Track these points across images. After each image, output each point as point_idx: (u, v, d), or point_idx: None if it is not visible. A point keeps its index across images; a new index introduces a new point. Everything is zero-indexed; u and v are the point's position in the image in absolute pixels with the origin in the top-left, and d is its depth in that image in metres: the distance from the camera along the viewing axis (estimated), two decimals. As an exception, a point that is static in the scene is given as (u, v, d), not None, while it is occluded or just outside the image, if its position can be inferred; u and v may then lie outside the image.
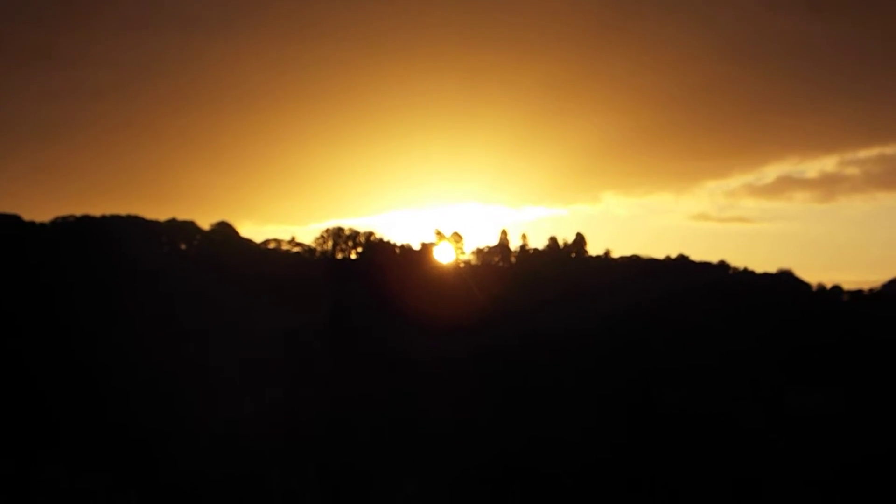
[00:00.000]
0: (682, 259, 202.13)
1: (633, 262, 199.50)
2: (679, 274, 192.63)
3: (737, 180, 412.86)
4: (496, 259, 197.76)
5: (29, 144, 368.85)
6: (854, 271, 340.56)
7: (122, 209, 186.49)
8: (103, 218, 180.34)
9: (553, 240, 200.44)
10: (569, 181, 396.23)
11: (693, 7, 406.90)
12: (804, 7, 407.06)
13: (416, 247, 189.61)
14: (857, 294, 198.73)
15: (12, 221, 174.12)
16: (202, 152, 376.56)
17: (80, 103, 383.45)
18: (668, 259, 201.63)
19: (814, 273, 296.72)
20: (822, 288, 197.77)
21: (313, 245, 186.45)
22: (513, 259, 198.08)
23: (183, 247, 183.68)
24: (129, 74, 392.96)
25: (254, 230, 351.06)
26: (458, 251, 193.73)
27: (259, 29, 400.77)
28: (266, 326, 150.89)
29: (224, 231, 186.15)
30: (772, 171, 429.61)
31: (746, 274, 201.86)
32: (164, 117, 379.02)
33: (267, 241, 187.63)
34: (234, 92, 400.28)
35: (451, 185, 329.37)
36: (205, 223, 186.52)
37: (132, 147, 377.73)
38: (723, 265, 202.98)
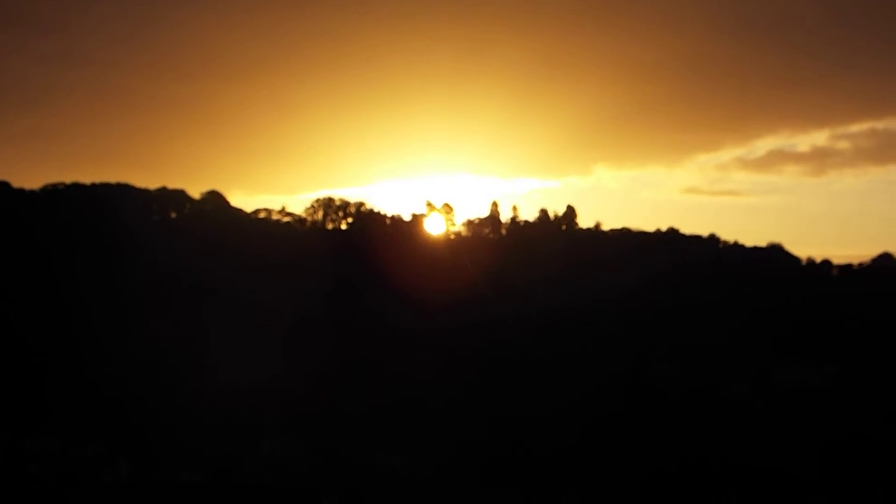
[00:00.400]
0: (673, 232, 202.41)
1: (624, 234, 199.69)
2: (669, 247, 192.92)
3: (728, 154, 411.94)
4: (487, 231, 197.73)
5: (19, 110, 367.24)
6: (844, 245, 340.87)
7: (113, 177, 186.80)
8: (94, 185, 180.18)
9: (544, 212, 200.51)
10: (561, 153, 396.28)
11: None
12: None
13: (407, 218, 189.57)
14: (847, 268, 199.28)
15: (2, 188, 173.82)
16: (194, 120, 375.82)
17: (71, 69, 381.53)
18: (658, 232, 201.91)
19: (804, 247, 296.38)
20: (811, 262, 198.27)
21: (304, 215, 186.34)
22: (503, 231, 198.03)
23: (174, 215, 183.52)
24: (121, 40, 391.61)
25: (245, 199, 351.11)
26: (449, 222, 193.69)
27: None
28: (256, 296, 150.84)
29: (215, 200, 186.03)
30: (763, 145, 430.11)
31: (736, 247, 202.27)
32: (155, 84, 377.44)
33: (257, 211, 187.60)
34: (227, 60, 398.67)
35: (443, 156, 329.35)
36: (196, 192, 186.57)
37: (123, 114, 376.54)
38: (713, 238, 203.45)
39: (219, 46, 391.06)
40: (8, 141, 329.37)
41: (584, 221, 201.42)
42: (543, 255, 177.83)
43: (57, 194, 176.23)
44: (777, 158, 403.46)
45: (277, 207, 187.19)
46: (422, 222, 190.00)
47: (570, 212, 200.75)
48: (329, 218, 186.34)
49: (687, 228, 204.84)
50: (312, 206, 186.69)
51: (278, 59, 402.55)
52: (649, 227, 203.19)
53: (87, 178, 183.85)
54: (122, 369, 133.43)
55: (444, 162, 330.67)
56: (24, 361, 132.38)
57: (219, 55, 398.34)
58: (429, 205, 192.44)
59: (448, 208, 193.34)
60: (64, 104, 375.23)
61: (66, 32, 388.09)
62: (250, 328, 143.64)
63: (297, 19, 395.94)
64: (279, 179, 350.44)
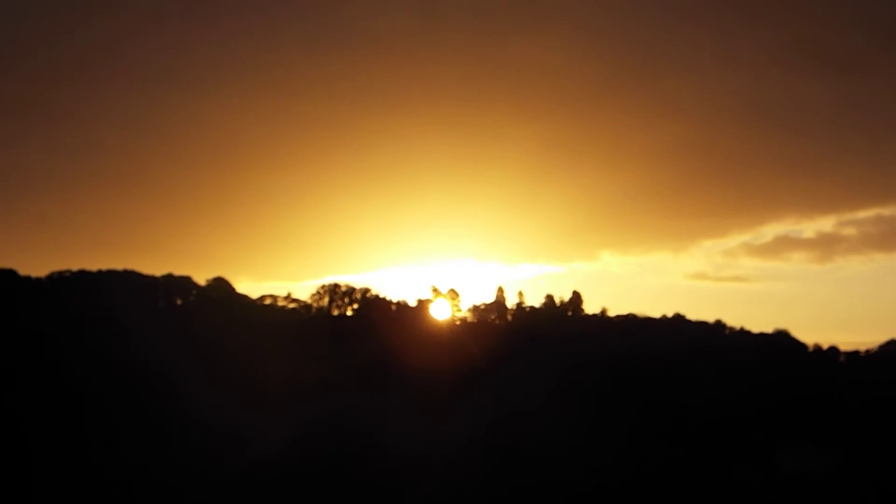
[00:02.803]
0: (679, 318, 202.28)
1: (630, 320, 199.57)
2: (675, 333, 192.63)
3: (734, 240, 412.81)
4: (492, 317, 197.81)
5: (26, 198, 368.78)
6: (851, 332, 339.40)
7: (119, 264, 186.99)
8: (99, 273, 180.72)
9: (549, 297, 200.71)
10: (566, 239, 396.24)
11: (691, 66, 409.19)
12: (801, 67, 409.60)
13: (413, 303, 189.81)
14: (854, 355, 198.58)
15: (8, 276, 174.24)
16: (199, 208, 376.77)
17: (77, 157, 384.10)
18: (664, 318, 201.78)
19: (811, 333, 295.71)
20: (818, 349, 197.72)
21: (309, 301, 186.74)
22: (509, 317, 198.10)
23: (179, 302, 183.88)
24: (128, 129, 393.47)
25: (251, 286, 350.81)
26: (455, 308, 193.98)
27: (257, 86, 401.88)
28: (262, 381, 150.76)
29: (220, 287, 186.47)
30: (769, 231, 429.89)
31: (743, 333, 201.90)
32: (161, 172, 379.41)
33: (263, 297, 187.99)
34: (232, 148, 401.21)
35: (448, 242, 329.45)
36: (201, 279, 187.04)
37: (129, 202, 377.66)
38: (719, 324, 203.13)
39: (226, 135, 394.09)
40: (14, 229, 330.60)
41: (590, 307, 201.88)
42: (549, 341, 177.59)
43: (63, 282, 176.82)
44: (783, 245, 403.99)
45: (283, 293, 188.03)
46: (427, 308, 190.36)
47: (576, 297, 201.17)
48: (335, 304, 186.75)
49: (693, 314, 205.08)
50: (318, 292, 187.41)
51: (284, 147, 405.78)
52: (655, 313, 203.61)
53: (93, 265, 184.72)
54: (127, 454, 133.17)
55: (450, 248, 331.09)
56: (25, 447, 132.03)
57: (226, 143, 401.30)
58: (434, 290, 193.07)
59: (454, 294, 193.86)
60: (71, 192, 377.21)
61: (74, 120, 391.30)
62: (256, 411, 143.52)
63: (303, 109, 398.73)
64: (285, 266, 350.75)
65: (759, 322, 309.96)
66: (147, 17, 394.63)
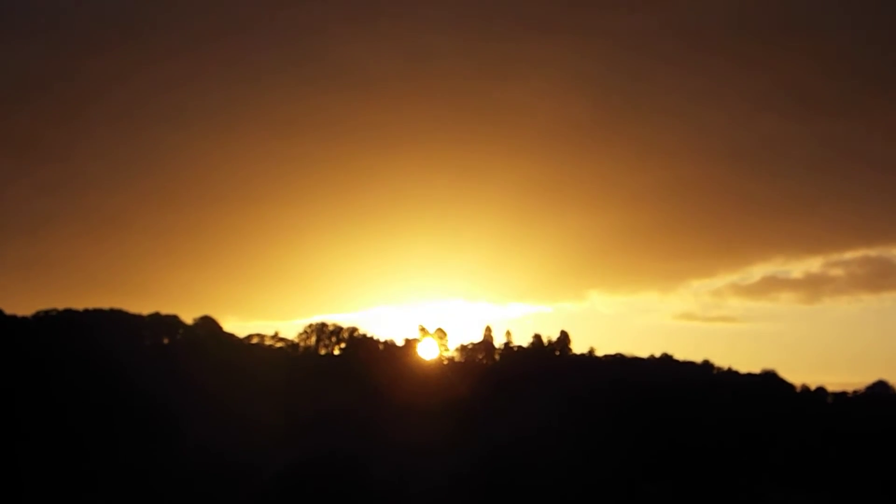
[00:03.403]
0: (667, 358, 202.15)
1: (618, 360, 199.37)
2: (663, 373, 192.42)
3: (722, 280, 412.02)
4: (480, 356, 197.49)
5: (12, 237, 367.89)
6: (838, 373, 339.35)
7: (106, 303, 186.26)
8: (86, 312, 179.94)
9: (537, 337, 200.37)
10: (554, 279, 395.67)
11: (679, 107, 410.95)
12: (786, 111, 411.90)
13: (400, 343, 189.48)
14: (842, 396, 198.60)
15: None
16: (187, 247, 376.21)
17: (64, 197, 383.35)
18: (652, 358, 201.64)
19: (798, 374, 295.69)
20: (806, 389, 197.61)
21: (297, 341, 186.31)
22: (497, 356, 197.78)
23: (166, 341, 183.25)
24: (116, 168, 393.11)
25: (238, 325, 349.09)
26: (442, 348, 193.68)
27: (245, 125, 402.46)
28: (249, 420, 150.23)
29: (207, 326, 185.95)
30: (757, 271, 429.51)
31: (731, 374, 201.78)
32: (149, 211, 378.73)
33: (250, 336, 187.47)
34: (220, 187, 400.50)
35: (436, 282, 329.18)
36: (188, 318, 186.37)
37: (117, 241, 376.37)
38: (707, 365, 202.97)
39: (214, 174, 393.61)
40: (3, 268, 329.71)
41: (578, 347, 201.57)
42: (537, 380, 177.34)
43: (49, 320, 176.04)
44: (771, 285, 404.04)
45: (270, 333, 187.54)
46: (415, 347, 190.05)
47: (564, 337, 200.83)
48: (322, 343, 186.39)
49: (681, 354, 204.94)
50: (305, 332, 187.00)
51: (272, 187, 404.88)
52: (643, 353, 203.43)
53: (80, 304, 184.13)
54: (114, 497, 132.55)
55: (438, 287, 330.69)
56: (11, 487, 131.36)
57: (213, 183, 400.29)
58: (422, 330, 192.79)
59: (441, 333, 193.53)
60: (62, 232, 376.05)
61: (64, 161, 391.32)
62: (244, 451, 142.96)
63: (292, 148, 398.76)
64: (272, 305, 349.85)
65: (747, 362, 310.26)
66: (139, 60, 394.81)
